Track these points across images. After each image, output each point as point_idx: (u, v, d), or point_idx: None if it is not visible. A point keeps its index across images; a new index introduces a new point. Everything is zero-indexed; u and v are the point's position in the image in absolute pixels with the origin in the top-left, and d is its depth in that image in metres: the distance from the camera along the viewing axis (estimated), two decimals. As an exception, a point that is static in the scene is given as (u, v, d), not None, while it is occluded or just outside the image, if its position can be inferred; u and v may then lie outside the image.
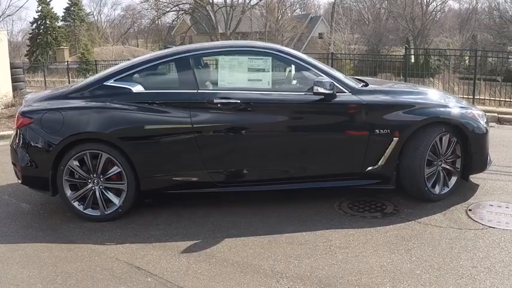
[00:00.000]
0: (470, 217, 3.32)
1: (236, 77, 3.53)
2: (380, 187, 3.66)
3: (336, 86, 3.43)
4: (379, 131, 3.45)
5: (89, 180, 3.46)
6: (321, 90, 3.32)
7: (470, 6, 40.79)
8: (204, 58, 3.75)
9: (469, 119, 3.60)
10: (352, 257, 2.82)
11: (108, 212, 3.48)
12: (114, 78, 3.54)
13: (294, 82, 3.71)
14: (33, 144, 3.49)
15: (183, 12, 35.32)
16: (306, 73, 3.60)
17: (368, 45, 30.57)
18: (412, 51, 18.72)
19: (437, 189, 3.61)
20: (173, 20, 40.37)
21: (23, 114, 3.56)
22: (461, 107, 3.69)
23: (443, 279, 2.53)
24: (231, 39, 27.65)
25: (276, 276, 2.61)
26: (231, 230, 3.27)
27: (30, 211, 3.84)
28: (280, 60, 3.60)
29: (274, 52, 3.60)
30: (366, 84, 3.75)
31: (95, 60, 19.52)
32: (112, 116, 3.42)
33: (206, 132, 3.40)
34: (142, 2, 35.56)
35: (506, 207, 3.46)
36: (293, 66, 3.68)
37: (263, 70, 3.51)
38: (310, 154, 3.50)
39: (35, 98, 3.76)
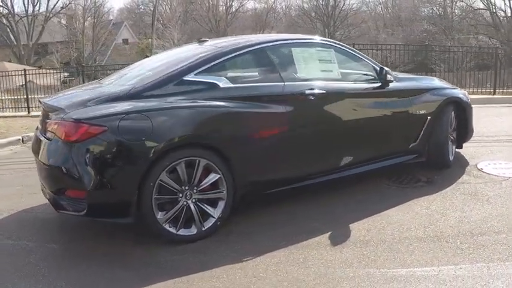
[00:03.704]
0: (490, 173, 4.47)
1: (311, 68, 3.82)
2: (417, 160, 4.48)
3: None
4: (418, 112, 4.31)
5: (180, 194, 3.17)
6: (391, 78, 3.96)
7: (267, 5, 47.17)
8: (280, 50, 3.83)
9: (466, 96, 4.80)
10: (460, 213, 3.58)
11: (206, 228, 3.30)
12: (194, 72, 3.34)
13: (353, 72, 4.20)
14: (109, 160, 3.03)
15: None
16: (359, 64, 4.16)
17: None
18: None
19: (451, 157, 4.67)
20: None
21: (83, 121, 3.00)
22: (456, 88, 4.86)
23: (538, 212, 3.53)
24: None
25: (440, 240, 3.15)
26: (341, 219, 3.56)
27: (70, 250, 3.30)
28: (339, 52, 4.06)
29: (335, 44, 4.06)
30: (393, 74, 4.53)
31: None
32: (209, 115, 3.27)
33: (301, 125, 3.61)
34: None
35: (500, 164, 4.77)
36: (347, 58, 4.16)
37: (330, 61, 3.92)
38: (378, 137, 4.12)
39: (82, 100, 3.22)
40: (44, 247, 3.35)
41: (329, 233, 3.32)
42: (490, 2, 31.33)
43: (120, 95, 3.23)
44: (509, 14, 31.09)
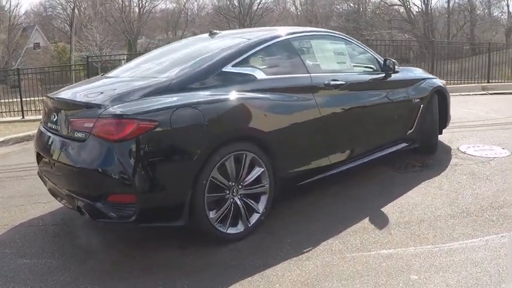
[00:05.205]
0: (475, 155, 4.96)
1: (329, 60, 3.98)
2: (412, 147, 4.82)
3: None
4: (414, 100, 4.67)
5: (227, 191, 3.16)
6: (397, 68, 4.23)
7: (178, 5, 47.08)
8: (302, 41, 3.91)
9: (444, 85, 5.26)
10: (472, 191, 3.98)
11: (252, 224, 3.32)
12: (232, 64, 3.34)
13: (360, 63, 4.42)
14: (162, 158, 2.90)
15: None
16: (364, 55, 4.40)
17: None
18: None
19: (437, 141, 5.09)
20: None
21: (131, 117, 2.79)
22: (436, 77, 5.31)
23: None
24: None
25: (470, 215, 3.51)
26: (368, 206, 3.76)
27: (104, 263, 3.09)
28: (348, 45, 4.29)
29: (344, 37, 4.27)
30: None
31: None
32: (255, 107, 3.28)
33: (328, 115, 3.76)
34: None
35: (478, 146, 5.29)
36: (355, 50, 4.39)
37: (343, 54, 4.11)
38: (387, 125, 4.39)
39: (115, 95, 3.01)
40: (71, 264, 3.08)
41: (366, 218, 3.52)
42: (405, -2, 33.95)
43: (158, 88, 3.06)
44: (424, 9, 33.97)
